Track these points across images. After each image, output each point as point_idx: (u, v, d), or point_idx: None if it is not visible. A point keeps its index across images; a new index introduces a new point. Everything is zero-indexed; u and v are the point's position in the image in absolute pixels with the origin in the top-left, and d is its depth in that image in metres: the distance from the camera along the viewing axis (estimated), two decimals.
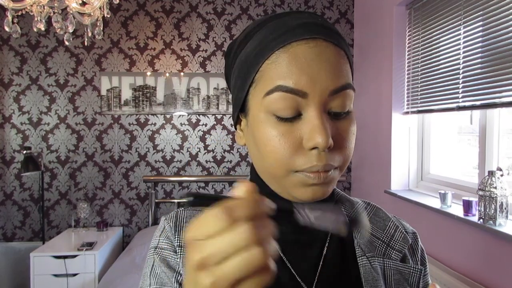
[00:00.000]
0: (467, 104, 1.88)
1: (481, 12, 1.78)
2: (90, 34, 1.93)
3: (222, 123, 3.16)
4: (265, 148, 0.49)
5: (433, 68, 2.15)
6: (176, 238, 0.55)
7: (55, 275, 2.50)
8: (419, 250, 0.62)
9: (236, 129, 0.58)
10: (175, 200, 3.10)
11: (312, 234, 0.55)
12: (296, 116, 0.47)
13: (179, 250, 0.54)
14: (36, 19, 1.69)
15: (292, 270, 0.53)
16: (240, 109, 0.55)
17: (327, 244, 0.55)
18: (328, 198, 0.57)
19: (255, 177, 0.57)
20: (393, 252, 0.57)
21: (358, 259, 0.55)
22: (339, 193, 0.62)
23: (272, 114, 0.48)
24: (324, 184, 0.48)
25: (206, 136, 3.15)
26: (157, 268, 0.53)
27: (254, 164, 0.56)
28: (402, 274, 0.56)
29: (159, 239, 0.56)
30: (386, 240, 0.58)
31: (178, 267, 0.53)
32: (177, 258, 0.53)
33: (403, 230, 0.60)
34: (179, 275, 0.52)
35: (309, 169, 0.47)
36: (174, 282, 0.52)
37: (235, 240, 0.28)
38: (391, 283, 0.55)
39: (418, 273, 0.57)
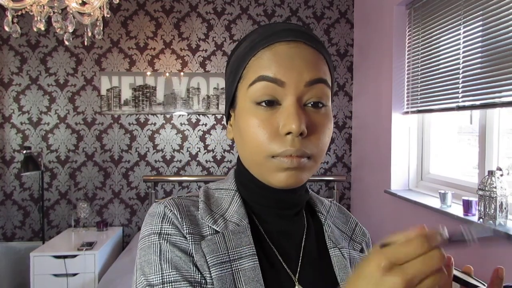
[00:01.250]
0: (467, 104, 1.89)
1: (481, 12, 1.78)
2: (90, 34, 1.93)
3: (222, 123, 3.16)
4: (246, 135, 0.54)
5: (433, 68, 2.15)
6: (184, 226, 0.54)
7: (55, 275, 2.50)
8: (371, 244, 0.70)
9: (227, 124, 0.63)
10: None
11: (293, 226, 0.60)
12: (276, 105, 0.53)
13: (190, 237, 0.53)
14: (36, 19, 1.69)
15: (279, 257, 0.57)
16: (231, 105, 0.60)
17: (304, 236, 0.61)
18: (303, 194, 0.62)
19: (241, 167, 0.61)
20: (354, 244, 0.65)
21: (330, 250, 0.61)
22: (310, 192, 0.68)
23: (254, 103, 0.53)
24: (298, 169, 0.52)
25: (206, 136, 3.15)
26: (168, 253, 0.52)
27: (239, 154, 0.60)
28: None
29: (161, 225, 0.54)
30: (349, 234, 0.66)
31: (190, 251, 0.52)
32: (188, 244, 0.53)
33: (361, 226, 0.69)
34: (193, 258, 0.52)
35: (283, 153, 0.51)
36: (192, 266, 0.52)
37: (428, 261, 0.35)
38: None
39: None
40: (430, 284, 0.35)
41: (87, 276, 2.52)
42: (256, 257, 0.53)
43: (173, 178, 3.07)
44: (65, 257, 2.50)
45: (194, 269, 0.51)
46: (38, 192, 3.00)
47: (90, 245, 2.57)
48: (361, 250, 0.65)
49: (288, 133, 0.50)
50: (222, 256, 0.53)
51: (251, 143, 0.53)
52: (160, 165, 3.11)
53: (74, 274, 2.52)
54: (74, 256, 2.51)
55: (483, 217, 1.62)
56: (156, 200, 3.06)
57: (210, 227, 0.56)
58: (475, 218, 1.69)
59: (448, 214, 1.86)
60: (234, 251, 0.53)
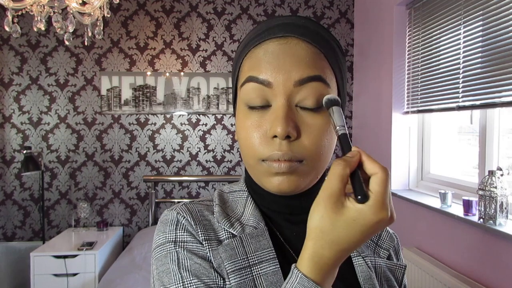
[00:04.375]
0: (467, 104, 1.89)
1: (481, 12, 1.78)
2: (90, 34, 1.93)
3: (222, 122, 3.16)
4: (240, 137, 0.53)
5: (433, 68, 2.15)
6: (199, 232, 0.52)
7: (55, 275, 2.51)
8: (400, 249, 0.65)
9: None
10: (175, 200, 3.10)
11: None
12: (266, 106, 0.50)
13: (206, 244, 0.52)
14: (36, 18, 1.69)
15: (294, 256, 0.54)
16: (235, 106, 0.58)
17: None
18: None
19: (246, 169, 0.59)
20: (381, 250, 0.60)
21: (353, 259, 0.56)
22: None
23: (246, 104, 0.52)
24: (289, 174, 0.49)
25: (206, 136, 3.15)
26: (186, 261, 0.50)
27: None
28: (390, 271, 0.59)
29: (176, 233, 0.52)
30: (375, 240, 0.60)
31: (209, 258, 0.51)
32: (205, 250, 0.51)
33: (388, 230, 0.63)
34: (212, 264, 0.51)
35: (271, 157, 0.49)
36: (214, 272, 0.50)
37: None
38: (382, 279, 0.57)
39: (402, 269, 0.60)
40: None
41: (87, 276, 2.52)
42: (277, 260, 0.51)
43: (173, 178, 3.07)
44: (65, 257, 2.50)
45: (216, 274, 0.49)
46: (38, 192, 3.00)
47: (90, 245, 2.57)
48: (389, 257, 0.61)
49: (275, 136, 0.48)
50: (241, 262, 0.50)
51: (244, 145, 0.52)
52: (160, 165, 3.11)
53: (74, 274, 2.52)
54: (74, 256, 2.51)
55: (483, 217, 1.62)
56: (156, 200, 3.06)
57: (227, 230, 0.53)
58: (475, 218, 1.69)
59: (448, 214, 1.86)
60: (253, 255, 0.51)
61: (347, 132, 0.45)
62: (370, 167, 0.41)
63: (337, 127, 0.45)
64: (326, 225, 0.40)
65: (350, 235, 0.40)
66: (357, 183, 0.40)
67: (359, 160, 0.42)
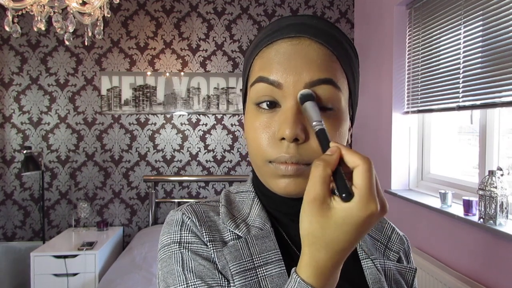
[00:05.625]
0: (467, 104, 1.89)
1: (481, 12, 1.78)
2: (90, 34, 1.93)
3: (222, 122, 3.16)
4: (248, 137, 0.52)
5: (433, 68, 2.15)
6: (204, 233, 0.52)
7: (56, 275, 2.51)
8: (410, 252, 0.65)
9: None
10: (175, 200, 3.10)
11: None
12: (277, 107, 0.50)
13: (211, 245, 0.51)
14: (36, 18, 1.69)
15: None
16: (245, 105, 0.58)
17: None
18: None
19: (253, 170, 0.59)
20: (391, 253, 0.59)
21: (362, 261, 0.56)
22: None
23: (255, 104, 0.51)
24: (295, 177, 0.48)
25: (206, 136, 3.15)
26: (191, 262, 0.50)
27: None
28: (400, 274, 0.58)
29: (181, 234, 0.52)
30: (385, 242, 0.60)
31: (213, 259, 0.51)
32: (210, 251, 0.51)
33: (398, 232, 0.62)
34: (217, 266, 0.50)
35: (278, 159, 0.48)
36: (218, 273, 0.49)
37: None
38: (391, 282, 0.56)
39: (413, 272, 0.59)
40: None
41: (87, 276, 2.52)
42: (283, 262, 0.50)
43: (173, 178, 3.07)
44: (65, 257, 2.50)
45: (220, 276, 0.49)
46: (39, 192, 3.00)
47: (90, 245, 2.57)
48: (399, 260, 0.60)
49: (283, 138, 0.47)
50: (246, 263, 0.50)
51: (252, 146, 0.51)
52: (160, 165, 3.11)
53: (75, 274, 2.52)
54: (75, 256, 2.51)
55: (483, 217, 1.62)
56: (156, 200, 3.06)
57: (232, 231, 0.53)
58: (475, 218, 1.69)
59: (449, 214, 1.86)
60: (258, 257, 0.50)
61: (325, 127, 0.43)
62: (350, 160, 0.39)
63: (314, 123, 0.44)
64: (317, 230, 0.39)
65: (343, 236, 0.38)
66: (340, 181, 0.39)
67: (339, 157, 0.40)
